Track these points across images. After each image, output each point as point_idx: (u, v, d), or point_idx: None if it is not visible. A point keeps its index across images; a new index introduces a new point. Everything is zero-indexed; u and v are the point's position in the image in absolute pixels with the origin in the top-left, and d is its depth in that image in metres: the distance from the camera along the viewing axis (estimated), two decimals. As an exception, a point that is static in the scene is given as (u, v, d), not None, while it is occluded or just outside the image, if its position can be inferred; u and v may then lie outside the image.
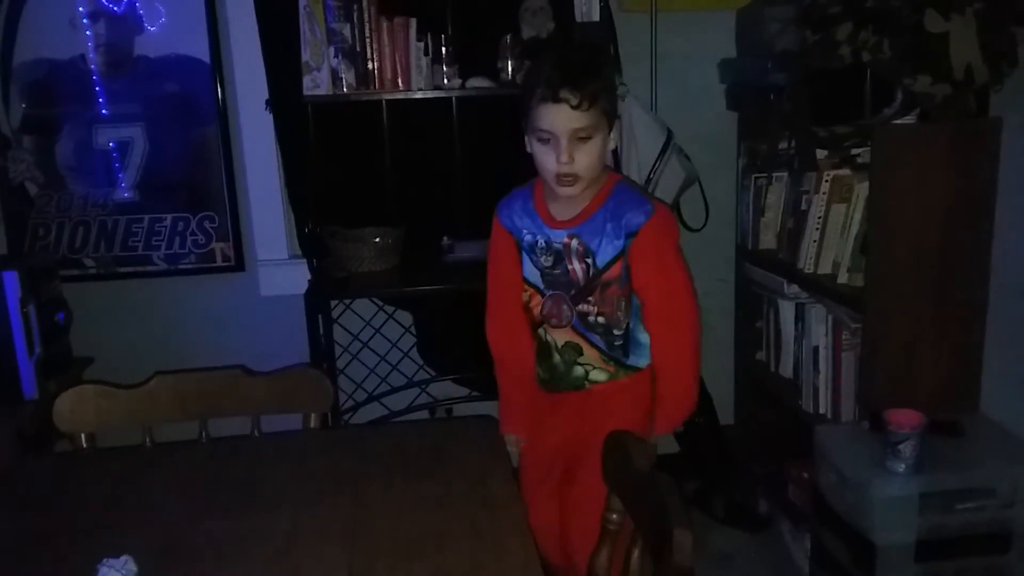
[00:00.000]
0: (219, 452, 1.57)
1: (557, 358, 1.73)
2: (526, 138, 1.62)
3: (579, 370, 1.72)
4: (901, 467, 1.77)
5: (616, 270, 1.64)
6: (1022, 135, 1.86)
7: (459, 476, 1.41)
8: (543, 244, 1.67)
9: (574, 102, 1.51)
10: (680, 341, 1.71)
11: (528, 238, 1.68)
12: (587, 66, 1.56)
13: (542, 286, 1.70)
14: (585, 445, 1.65)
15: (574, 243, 1.64)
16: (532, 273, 1.71)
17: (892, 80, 1.84)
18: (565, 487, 1.78)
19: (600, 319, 1.67)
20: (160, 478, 1.46)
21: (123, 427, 1.64)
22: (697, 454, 2.71)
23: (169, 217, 2.65)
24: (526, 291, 1.72)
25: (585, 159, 1.55)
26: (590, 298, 1.66)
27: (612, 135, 1.61)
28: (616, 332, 1.69)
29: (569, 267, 1.66)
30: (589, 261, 1.64)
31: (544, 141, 1.55)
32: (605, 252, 1.63)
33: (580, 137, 1.53)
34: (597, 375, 1.72)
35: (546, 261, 1.67)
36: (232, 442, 1.64)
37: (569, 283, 1.67)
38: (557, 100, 1.51)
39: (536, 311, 1.72)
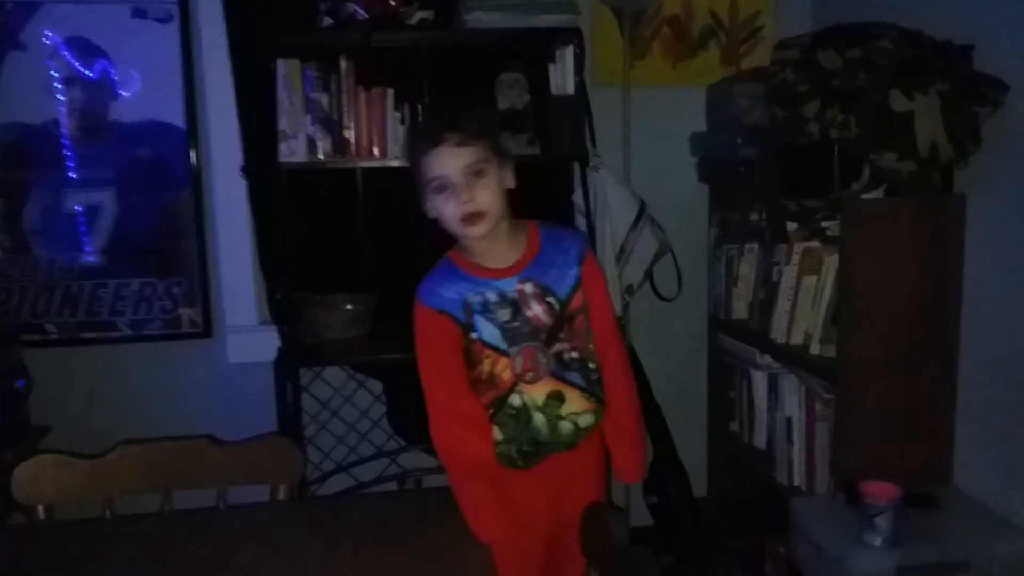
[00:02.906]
0: (184, 525, 1.52)
1: (539, 419, 1.63)
2: (425, 205, 1.61)
3: (566, 425, 1.64)
4: (878, 540, 1.76)
5: (578, 299, 1.63)
6: (986, 212, 1.91)
7: (431, 547, 1.38)
8: (496, 298, 1.60)
9: (455, 140, 1.53)
10: (626, 364, 1.74)
11: (476, 299, 1.60)
12: (460, 109, 1.64)
13: (504, 345, 1.60)
14: (574, 511, 1.45)
15: (528, 287, 1.60)
16: (491, 335, 1.60)
17: (859, 156, 1.88)
18: (556, 563, 1.70)
19: (574, 354, 1.64)
20: (122, 553, 1.40)
21: (84, 499, 1.58)
22: (671, 527, 2.68)
23: (136, 282, 2.61)
24: (487, 359, 1.61)
25: (485, 194, 1.54)
26: (561, 335, 1.63)
27: (509, 174, 1.60)
28: (591, 365, 1.66)
29: (529, 314, 1.61)
30: (551, 300, 1.61)
31: (441, 189, 1.55)
32: (564, 284, 1.62)
33: (473, 173, 1.54)
34: (586, 419, 1.65)
35: (503, 315, 1.60)
36: (197, 515, 1.59)
37: (534, 331, 1.61)
38: (439, 143, 1.53)
39: (506, 374, 1.61)
